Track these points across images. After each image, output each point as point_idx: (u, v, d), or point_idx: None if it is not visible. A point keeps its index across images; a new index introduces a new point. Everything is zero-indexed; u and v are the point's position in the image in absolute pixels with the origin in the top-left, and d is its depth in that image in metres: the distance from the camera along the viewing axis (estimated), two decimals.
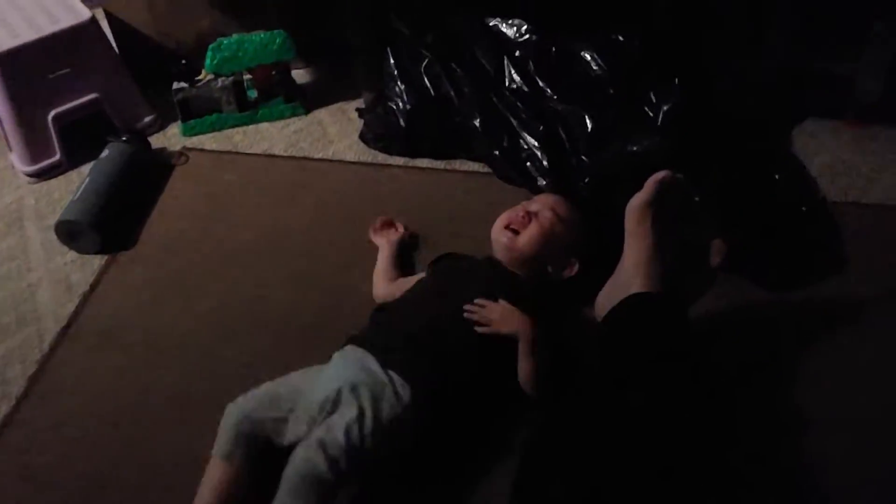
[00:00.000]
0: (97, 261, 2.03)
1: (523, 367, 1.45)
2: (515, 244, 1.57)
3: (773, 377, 1.57)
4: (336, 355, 1.48)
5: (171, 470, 1.57)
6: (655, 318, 1.43)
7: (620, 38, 1.83)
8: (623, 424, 1.28)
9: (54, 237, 2.07)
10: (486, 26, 2.00)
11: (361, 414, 1.32)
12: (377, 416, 1.33)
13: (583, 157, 1.77)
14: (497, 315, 1.46)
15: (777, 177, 1.78)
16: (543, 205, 1.61)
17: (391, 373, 1.38)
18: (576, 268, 1.60)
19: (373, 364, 1.40)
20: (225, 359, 1.75)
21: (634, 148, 1.74)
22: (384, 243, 1.82)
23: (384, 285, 1.72)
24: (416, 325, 1.46)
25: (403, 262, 1.83)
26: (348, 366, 1.42)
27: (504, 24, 1.99)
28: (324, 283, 1.88)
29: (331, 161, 2.22)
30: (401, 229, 1.87)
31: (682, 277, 1.48)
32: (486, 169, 2.07)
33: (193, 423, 1.61)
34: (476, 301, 1.47)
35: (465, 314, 1.46)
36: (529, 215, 1.58)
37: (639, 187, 1.46)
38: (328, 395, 1.37)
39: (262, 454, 1.39)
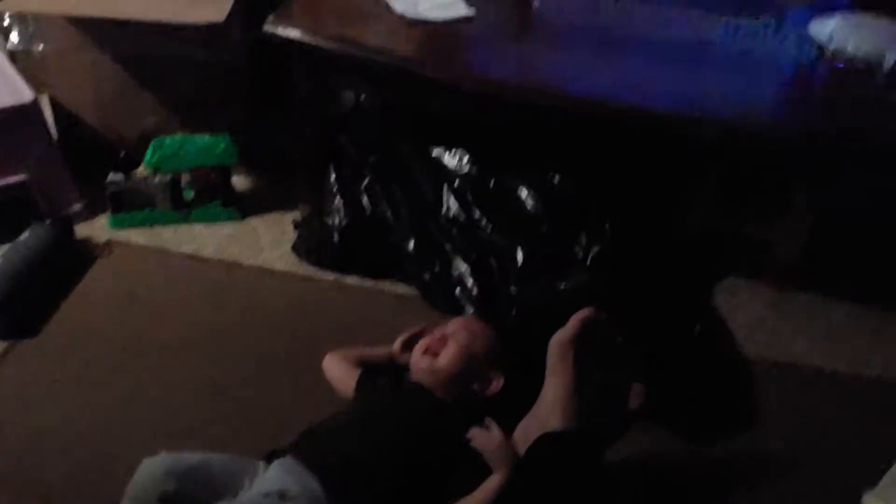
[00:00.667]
0: None
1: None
2: (436, 366, 1.56)
3: None
4: (277, 463, 1.40)
5: None
6: (568, 458, 1.41)
7: (556, 180, 1.89)
8: None
9: None
10: (429, 154, 2.05)
11: None
12: None
13: (511, 289, 1.79)
14: (497, 444, 1.44)
15: (697, 327, 1.81)
16: (458, 326, 1.63)
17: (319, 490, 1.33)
18: (500, 382, 1.58)
19: (312, 481, 1.35)
20: (113, 459, 1.63)
21: (563, 285, 1.76)
22: (394, 350, 1.72)
23: (338, 361, 1.71)
24: (357, 454, 1.42)
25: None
26: (292, 474, 1.36)
27: (447, 154, 2.05)
28: (234, 393, 1.80)
29: (260, 269, 2.18)
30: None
31: (600, 418, 1.46)
32: (416, 292, 2.07)
33: None
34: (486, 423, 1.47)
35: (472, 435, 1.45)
36: (445, 337, 1.59)
37: (564, 324, 1.46)
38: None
39: None
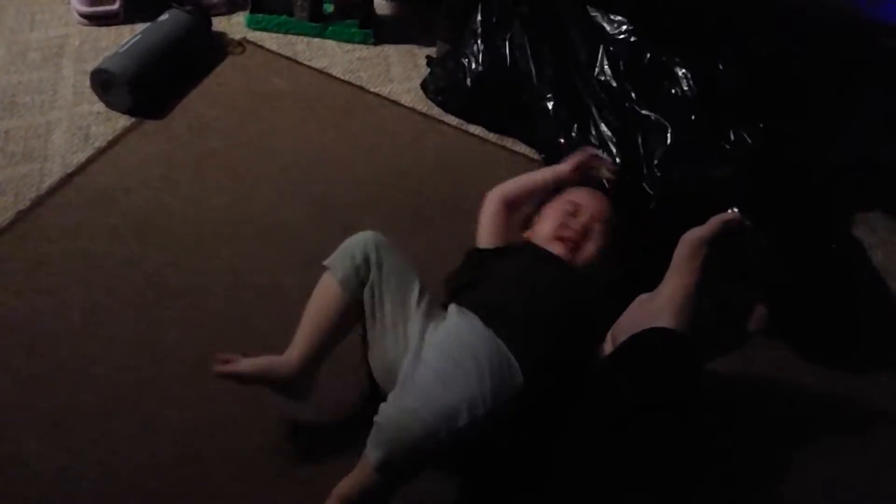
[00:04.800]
0: (122, 121, 1.94)
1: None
2: (576, 259, 1.50)
3: (773, 448, 1.50)
4: (454, 311, 1.38)
5: (128, 349, 1.50)
6: (668, 359, 1.33)
7: (720, 67, 1.73)
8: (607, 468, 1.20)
9: (87, 84, 1.98)
10: (587, 14, 1.90)
11: (477, 400, 1.23)
12: (488, 400, 1.24)
13: (656, 170, 1.68)
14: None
15: (833, 247, 1.68)
16: (592, 215, 1.54)
17: (510, 354, 1.30)
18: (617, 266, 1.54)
19: (494, 340, 1.31)
20: (215, 257, 1.67)
21: (709, 174, 1.64)
22: (559, 174, 1.64)
23: (499, 205, 1.60)
24: (541, 317, 1.37)
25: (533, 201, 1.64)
26: (474, 331, 1.33)
27: (605, 18, 1.89)
28: (338, 216, 1.79)
29: (385, 99, 2.12)
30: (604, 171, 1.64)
31: (713, 329, 1.38)
32: (536, 155, 1.98)
33: (163, 312, 1.54)
34: None
35: None
36: (583, 229, 1.51)
37: (701, 221, 1.36)
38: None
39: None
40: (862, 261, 1.81)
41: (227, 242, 1.70)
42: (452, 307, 1.39)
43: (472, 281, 1.45)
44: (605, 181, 1.62)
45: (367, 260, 1.35)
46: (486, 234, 1.58)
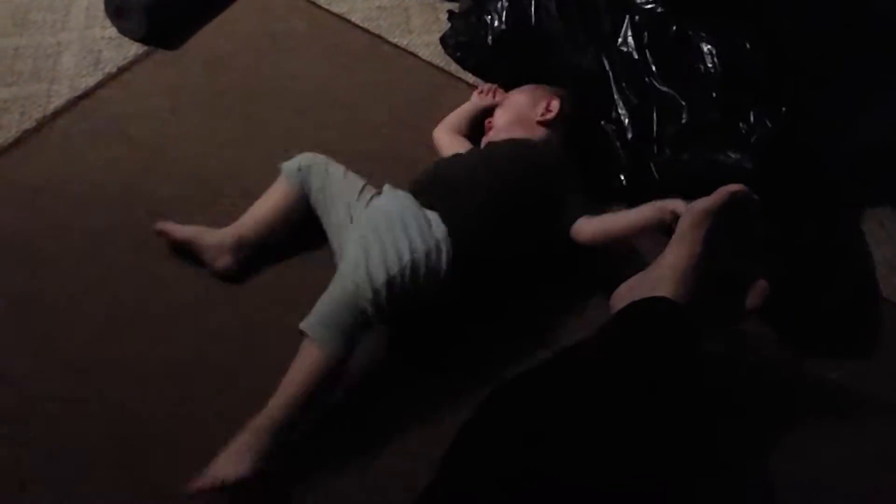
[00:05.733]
0: (135, 48, 1.91)
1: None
2: (496, 128, 1.72)
3: (759, 429, 1.48)
4: (386, 189, 1.52)
5: (126, 278, 1.49)
6: (666, 328, 1.32)
7: (747, 45, 1.69)
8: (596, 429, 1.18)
9: (101, 7, 1.94)
10: None
11: (402, 246, 1.35)
12: (415, 249, 1.36)
13: (666, 149, 1.66)
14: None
15: (835, 241, 1.67)
16: (504, 97, 1.82)
17: (430, 213, 1.42)
18: (556, 102, 1.70)
19: (415, 204, 1.45)
20: (219, 194, 1.65)
21: (720, 157, 1.62)
22: (473, 102, 1.88)
23: (443, 131, 1.82)
24: (459, 180, 1.52)
25: (471, 132, 1.83)
26: (395, 198, 1.48)
27: None
28: (344, 163, 1.74)
29: (402, 50, 2.08)
30: (496, 99, 1.86)
31: (712, 302, 1.37)
32: None
33: (163, 243, 1.52)
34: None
35: None
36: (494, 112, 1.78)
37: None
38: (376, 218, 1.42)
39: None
40: (866, 255, 1.79)
41: (232, 180, 1.68)
42: (385, 187, 1.52)
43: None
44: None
45: (313, 165, 1.54)
46: (450, 152, 1.73)
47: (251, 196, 1.63)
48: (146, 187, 1.63)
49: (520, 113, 1.73)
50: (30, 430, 1.27)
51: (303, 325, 1.28)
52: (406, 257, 1.34)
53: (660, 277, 1.33)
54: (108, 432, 1.29)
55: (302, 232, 1.57)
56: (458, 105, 1.92)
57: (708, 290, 1.35)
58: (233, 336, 1.44)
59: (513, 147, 1.61)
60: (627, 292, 1.39)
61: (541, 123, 1.70)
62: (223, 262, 1.49)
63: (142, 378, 1.36)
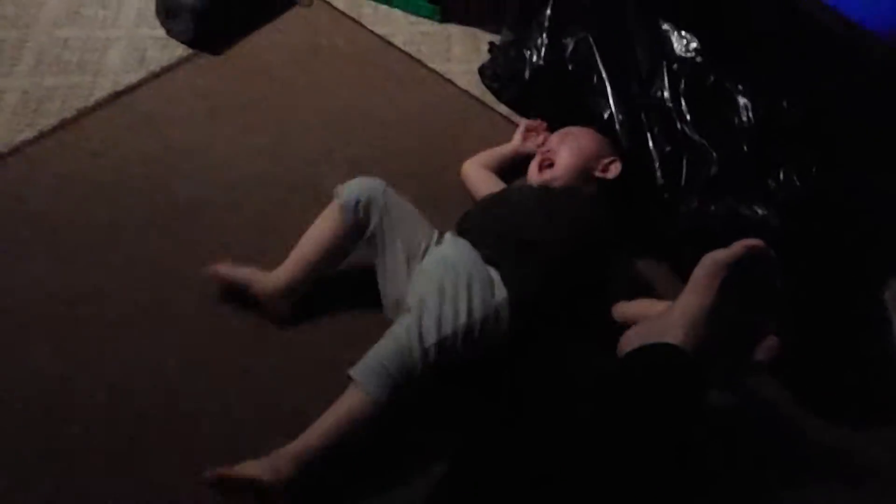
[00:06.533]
0: (180, 50, 1.96)
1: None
2: (556, 171, 1.64)
3: (758, 484, 1.46)
4: (448, 237, 1.50)
5: (146, 269, 1.51)
6: (673, 377, 1.31)
7: (784, 103, 1.69)
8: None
9: (152, 7, 1.99)
10: (658, 25, 1.86)
11: (461, 308, 1.33)
12: (473, 311, 1.34)
13: (694, 199, 1.66)
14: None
15: (857, 309, 1.64)
16: (562, 136, 1.72)
17: (492, 270, 1.41)
18: (618, 165, 1.67)
19: (479, 260, 1.42)
20: (245, 201, 1.68)
21: (747, 212, 1.61)
22: (515, 143, 1.86)
23: (475, 166, 1.79)
24: (523, 233, 1.48)
25: (503, 170, 1.81)
26: (459, 251, 1.44)
27: (674, 33, 1.85)
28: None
29: (440, 76, 2.10)
30: (538, 143, 1.83)
31: (722, 355, 1.35)
32: None
33: (186, 237, 1.55)
34: None
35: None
36: (552, 150, 1.68)
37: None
38: (436, 274, 1.38)
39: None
40: (884, 327, 1.76)
41: (259, 188, 1.70)
42: (448, 235, 1.50)
43: (465, 215, 1.58)
44: None
45: (373, 199, 1.44)
46: (487, 188, 1.71)
47: (276, 205, 1.66)
48: (174, 186, 1.66)
49: (586, 162, 1.67)
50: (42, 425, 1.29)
51: (351, 372, 1.28)
52: (462, 319, 1.33)
53: (670, 324, 1.32)
54: (112, 428, 1.30)
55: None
56: (488, 135, 1.94)
57: (718, 341, 1.34)
58: (250, 325, 1.45)
59: (575, 204, 1.58)
60: (636, 336, 1.38)
61: (594, 178, 1.66)
62: (280, 309, 1.46)
63: (155, 367, 1.38)
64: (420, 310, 1.33)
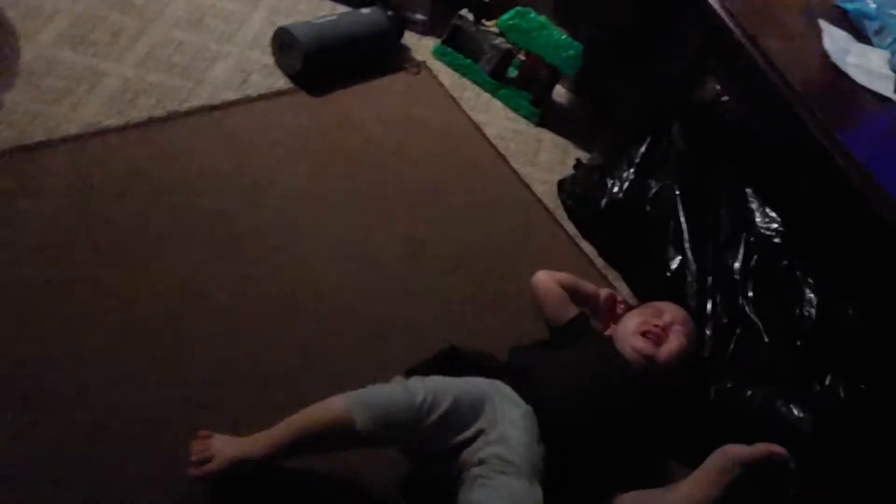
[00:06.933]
0: (282, 82, 2.01)
1: None
2: (658, 354, 1.51)
3: None
4: (511, 396, 1.36)
5: (174, 286, 1.52)
6: None
7: (849, 310, 1.63)
8: None
9: (269, 36, 2.05)
10: (745, 196, 1.83)
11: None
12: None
13: (731, 379, 1.61)
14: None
15: None
16: (674, 319, 1.57)
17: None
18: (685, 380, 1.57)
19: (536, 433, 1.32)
20: (292, 246, 1.68)
21: (782, 409, 1.55)
22: (598, 291, 1.74)
23: (554, 282, 1.71)
24: (586, 423, 1.38)
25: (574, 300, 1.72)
26: (527, 424, 1.32)
27: (760, 209, 1.82)
28: (422, 263, 1.77)
29: (519, 178, 2.10)
30: (618, 313, 1.70)
31: None
32: (631, 299, 1.91)
33: (220, 263, 1.56)
34: None
35: None
36: (667, 329, 1.54)
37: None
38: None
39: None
40: None
41: (312, 239, 1.70)
42: (526, 410, 1.34)
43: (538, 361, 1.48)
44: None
45: (405, 423, 1.24)
46: (555, 304, 1.67)
47: (316, 256, 1.66)
48: (233, 211, 1.68)
49: (684, 364, 1.55)
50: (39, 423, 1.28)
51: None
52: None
53: (670, 502, 1.28)
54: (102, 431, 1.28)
55: None
56: (549, 247, 1.95)
57: None
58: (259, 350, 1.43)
59: (653, 409, 1.48)
60: (632, 502, 1.33)
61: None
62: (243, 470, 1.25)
63: (163, 384, 1.36)
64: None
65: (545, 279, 1.71)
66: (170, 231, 1.59)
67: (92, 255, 1.49)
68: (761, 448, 1.29)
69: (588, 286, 1.74)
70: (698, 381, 1.62)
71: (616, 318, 1.66)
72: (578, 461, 1.35)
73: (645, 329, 1.53)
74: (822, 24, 1.86)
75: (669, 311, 1.59)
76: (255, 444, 1.24)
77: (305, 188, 1.80)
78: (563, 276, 1.73)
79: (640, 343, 1.52)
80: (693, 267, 1.78)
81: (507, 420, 1.28)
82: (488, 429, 1.26)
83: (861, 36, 1.91)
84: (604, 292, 1.73)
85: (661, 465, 1.54)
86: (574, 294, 1.71)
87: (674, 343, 1.52)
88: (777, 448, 1.29)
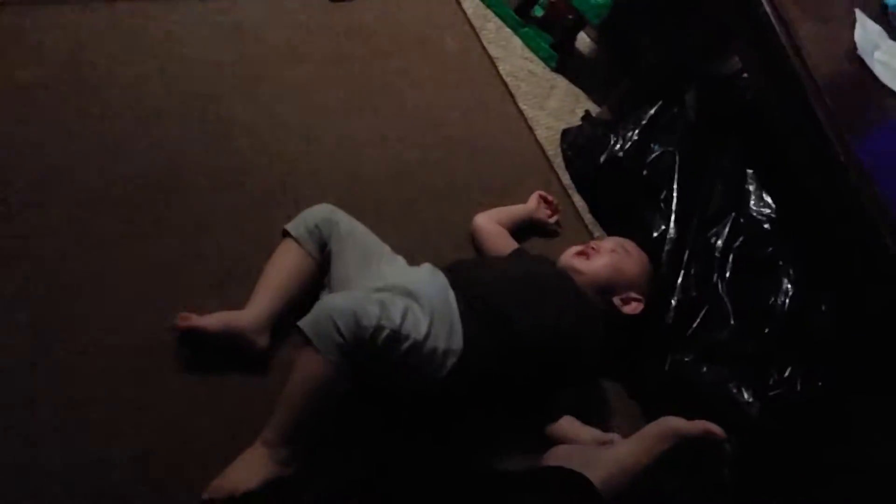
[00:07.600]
0: None
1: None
2: (587, 267, 1.56)
3: None
4: (427, 267, 1.46)
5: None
6: None
7: (823, 307, 1.61)
8: None
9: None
10: (744, 178, 1.78)
11: (422, 322, 1.27)
12: (429, 337, 1.27)
13: (690, 353, 1.61)
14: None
15: None
16: (614, 243, 1.64)
17: (457, 319, 1.34)
18: (640, 307, 1.57)
19: (452, 301, 1.37)
20: (279, 142, 1.66)
21: (733, 391, 1.54)
22: (530, 208, 1.83)
23: (488, 220, 1.73)
24: (507, 306, 1.40)
25: (513, 232, 1.75)
26: (434, 282, 1.40)
27: (756, 193, 1.76)
28: (408, 186, 1.75)
29: (524, 119, 2.07)
30: (553, 217, 1.86)
31: None
32: None
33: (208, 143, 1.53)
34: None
35: None
36: (599, 248, 1.61)
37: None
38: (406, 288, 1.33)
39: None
40: None
41: (300, 143, 1.69)
42: (426, 264, 1.46)
43: (462, 261, 1.55)
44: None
45: (325, 223, 1.42)
46: (496, 243, 1.69)
47: (301, 157, 1.64)
48: (227, 99, 1.66)
49: (616, 282, 1.57)
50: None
51: (301, 323, 1.22)
52: (421, 331, 1.26)
53: (599, 460, 1.30)
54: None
55: None
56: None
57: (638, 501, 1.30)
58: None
59: (575, 307, 1.48)
60: (564, 455, 1.35)
61: (613, 305, 1.56)
62: (262, 341, 1.34)
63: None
64: (392, 294, 1.29)
65: (482, 221, 1.72)
66: (162, 105, 1.57)
67: (81, 120, 1.48)
68: (699, 424, 1.29)
69: (519, 208, 1.81)
70: (656, 349, 1.61)
71: (553, 207, 1.85)
72: (515, 355, 1.37)
73: (580, 249, 1.60)
74: (858, 13, 1.79)
75: (610, 239, 1.67)
76: (242, 314, 1.33)
77: (303, 91, 1.77)
78: (497, 212, 1.76)
79: (573, 259, 1.59)
80: (674, 236, 1.75)
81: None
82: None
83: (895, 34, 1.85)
84: (533, 199, 1.82)
85: (597, 402, 1.57)
86: (513, 224, 1.76)
87: (603, 259, 1.58)
88: (716, 427, 1.29)
